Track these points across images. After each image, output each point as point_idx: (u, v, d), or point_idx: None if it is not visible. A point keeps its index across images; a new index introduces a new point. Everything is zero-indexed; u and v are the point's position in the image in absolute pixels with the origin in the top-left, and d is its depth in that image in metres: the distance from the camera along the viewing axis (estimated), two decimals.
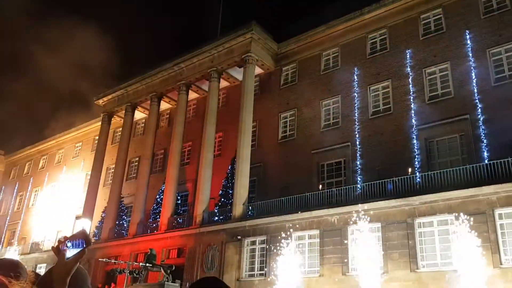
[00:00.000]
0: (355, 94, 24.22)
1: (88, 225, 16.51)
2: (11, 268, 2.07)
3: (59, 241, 1.59)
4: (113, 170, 34.36)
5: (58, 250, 1.59)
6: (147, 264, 21.49)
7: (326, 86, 25.73)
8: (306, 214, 21.05)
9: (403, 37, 23.71)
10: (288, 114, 27.04)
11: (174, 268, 21.56)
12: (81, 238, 1.61)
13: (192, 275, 23.53)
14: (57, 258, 1.59)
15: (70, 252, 1.58)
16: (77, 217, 17.34)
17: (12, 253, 35.30)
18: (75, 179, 39.25)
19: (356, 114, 23.70)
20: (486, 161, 18.05)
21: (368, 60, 24.75)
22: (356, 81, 24.45)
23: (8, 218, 44.97)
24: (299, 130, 26.00)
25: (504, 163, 17.07)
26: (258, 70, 28.48)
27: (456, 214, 16.59)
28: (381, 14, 24.80)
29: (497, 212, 16.54)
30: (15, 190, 46.27)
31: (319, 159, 24.28)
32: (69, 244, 1.58)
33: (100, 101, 37.13)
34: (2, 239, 43.52)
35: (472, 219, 16.29)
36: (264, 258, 21.89)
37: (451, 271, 16.31)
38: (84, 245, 1.61)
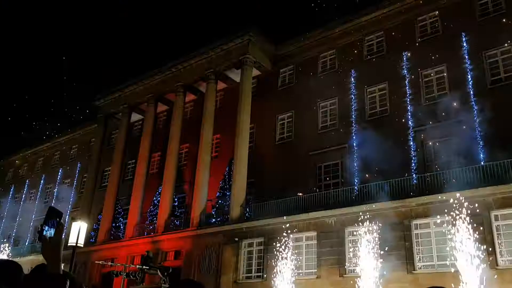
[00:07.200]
0: (352, 96, 24.27)
1: (84, 228, 16.38)
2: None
3: (38, 232, 1.73)
4: (109, 172, 34.28)
5: (40, 239, 1.73)
6: (144, 267, 21.42)
7: (323, 88, 25.75)
8: (303, 216, 21.08)
9: (399, 40, 23.80)
10: (286, 116, 27.07)
11: (171, 270, 21.47)
12: (52, 218, 1.76)
13: (189, 277, 23.46)
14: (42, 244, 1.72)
15: (50, 233, 1.72)
16: (73, 219, 17.24)
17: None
18: (71, 181, 39.16)
19: (353, 116, 23.75)
20: (482, 163, 18.12)
21: (365, 62, 24.82)
22: (353, 83, 24.51)
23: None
24: (297, 132, 26.02)
25: (500, 165, 17.15)
26: (255, 72, 28.51)
27: (453, 216, 16.63)
28: (378, 17, 24.91)
29: (493, 213, 16.63)
30: (11, 193, 46.04)
31: (317, 160, 24.31)
32: (45, 228, 1.72)
33: (97, 102, 37.07)
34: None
35: (468, 220, 16.33)
36: (262, 260, 21.91)
37: (447, 272, 16.35)
38: (58, 220, 1.76)
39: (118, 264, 23.60)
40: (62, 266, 1.77)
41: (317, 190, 22.82)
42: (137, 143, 32.91)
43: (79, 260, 28.72)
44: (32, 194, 43.46)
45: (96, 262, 25.61)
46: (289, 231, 21.01)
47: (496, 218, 16.62)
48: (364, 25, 25.38)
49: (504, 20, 20.71)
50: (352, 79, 24.61)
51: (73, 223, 16.70)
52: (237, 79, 28.65)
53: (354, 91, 24.32)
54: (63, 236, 1.77)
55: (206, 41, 30.21)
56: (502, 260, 15.97)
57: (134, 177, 32.02)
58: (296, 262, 20.26)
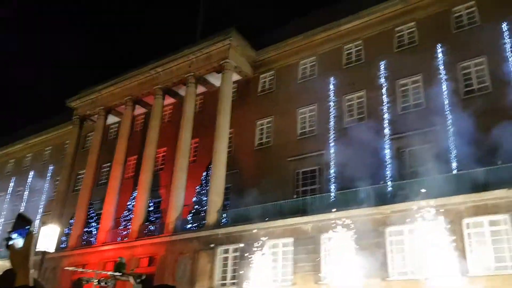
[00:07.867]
0: (331, 103, 24.46)
1: (55, 232, 15.92)
2: None
3: (6, 239, 1.66)
4: (83, 176, 33.50)
5: (7, 247, 1.66)
6: (116, 273, 20.94)
7: (303, 94, 25.90)
8: (280, 222, 21.00)
9: (377, 49, 24.16)
10: (265, 121, 27.06)
11: (144, 277, 21.05)
12: (22, 226, 1.67)
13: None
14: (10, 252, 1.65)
15: (19, 242, 1.63)
16: (44, 224, 16.74)
17: None
18: (43, 184, 38.06)
19: (331, 123, 23.91)
20: (455, 171, 18.45)
21: (344, 70, 25.09)
22: (332, 90, 24.71)
23: None
24: (276, 138, 26.03)
25: (472, 173, 17.48)
26: (236, 77, 28.43)
27: (426, 223, 16.86)
28: (357, 26, 25.26)
29: (465, 221, 16.92)
30: None
31: (295, 166, 24.33)
32: (14, 236, 1.64)
33: (73, 104, 36.27)
34: None
35: (441, 228, 16.58)
36: (237, 267, 21.69)
37: (421, 279, 16.53)
38: (28, 228, 1.67)
39: (89, 271, 23.01)
40: (32, 272, 1.66)
41: (295, 196, 22.82)
42: (113, 146, 32.30)
43: (49, 266, 27.86)
44: (1, 197, 42.07)
45: (66, 268, 24.92)
46: (265, 238, 20.90)
47: (468, 226, 16.92)
48: (344, 34, 25.69)
49: (477, 33, 21.28)
50: (331, 87, 24.81)
51: (43, 227, 16.21)
52: (217, 83, 28.50)
53: (333, 98, 24.51)
54: (32, 245, 1.65)
55: (186, 44, 29.99)
56: (473, 268, 16.22)
57: (108, 180, 31.39)
58: (272, 269, 20.14)
